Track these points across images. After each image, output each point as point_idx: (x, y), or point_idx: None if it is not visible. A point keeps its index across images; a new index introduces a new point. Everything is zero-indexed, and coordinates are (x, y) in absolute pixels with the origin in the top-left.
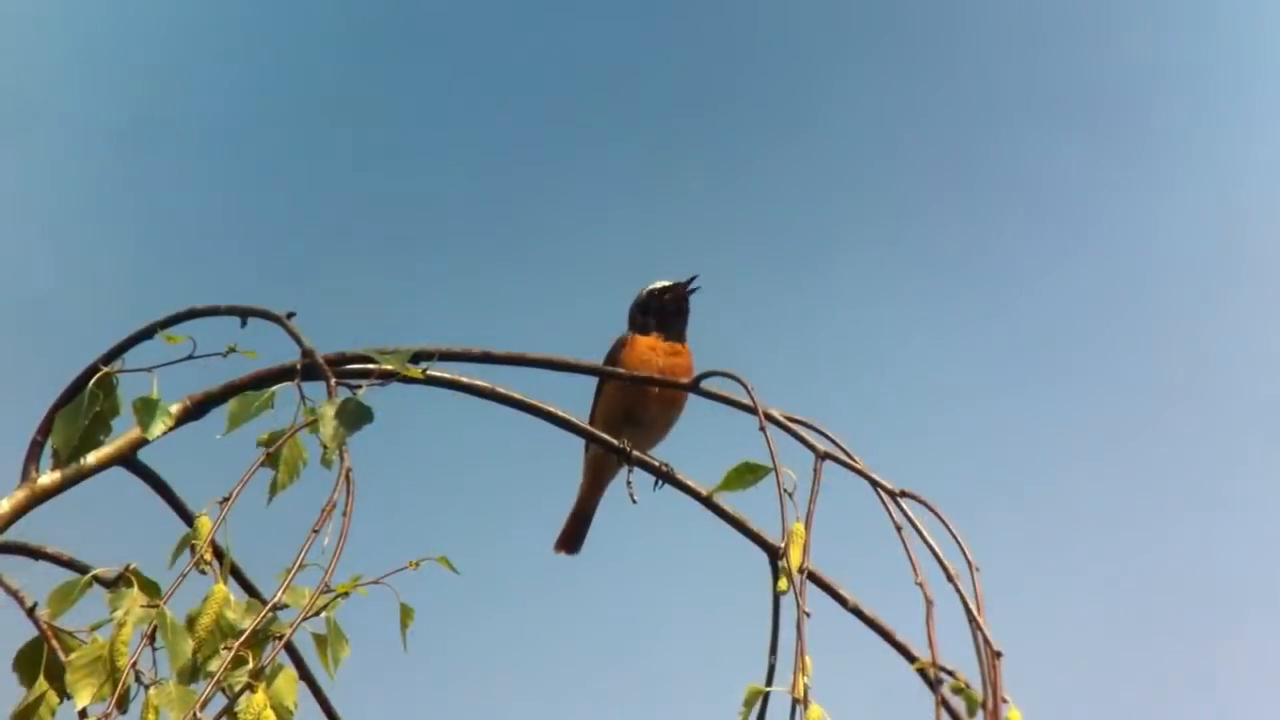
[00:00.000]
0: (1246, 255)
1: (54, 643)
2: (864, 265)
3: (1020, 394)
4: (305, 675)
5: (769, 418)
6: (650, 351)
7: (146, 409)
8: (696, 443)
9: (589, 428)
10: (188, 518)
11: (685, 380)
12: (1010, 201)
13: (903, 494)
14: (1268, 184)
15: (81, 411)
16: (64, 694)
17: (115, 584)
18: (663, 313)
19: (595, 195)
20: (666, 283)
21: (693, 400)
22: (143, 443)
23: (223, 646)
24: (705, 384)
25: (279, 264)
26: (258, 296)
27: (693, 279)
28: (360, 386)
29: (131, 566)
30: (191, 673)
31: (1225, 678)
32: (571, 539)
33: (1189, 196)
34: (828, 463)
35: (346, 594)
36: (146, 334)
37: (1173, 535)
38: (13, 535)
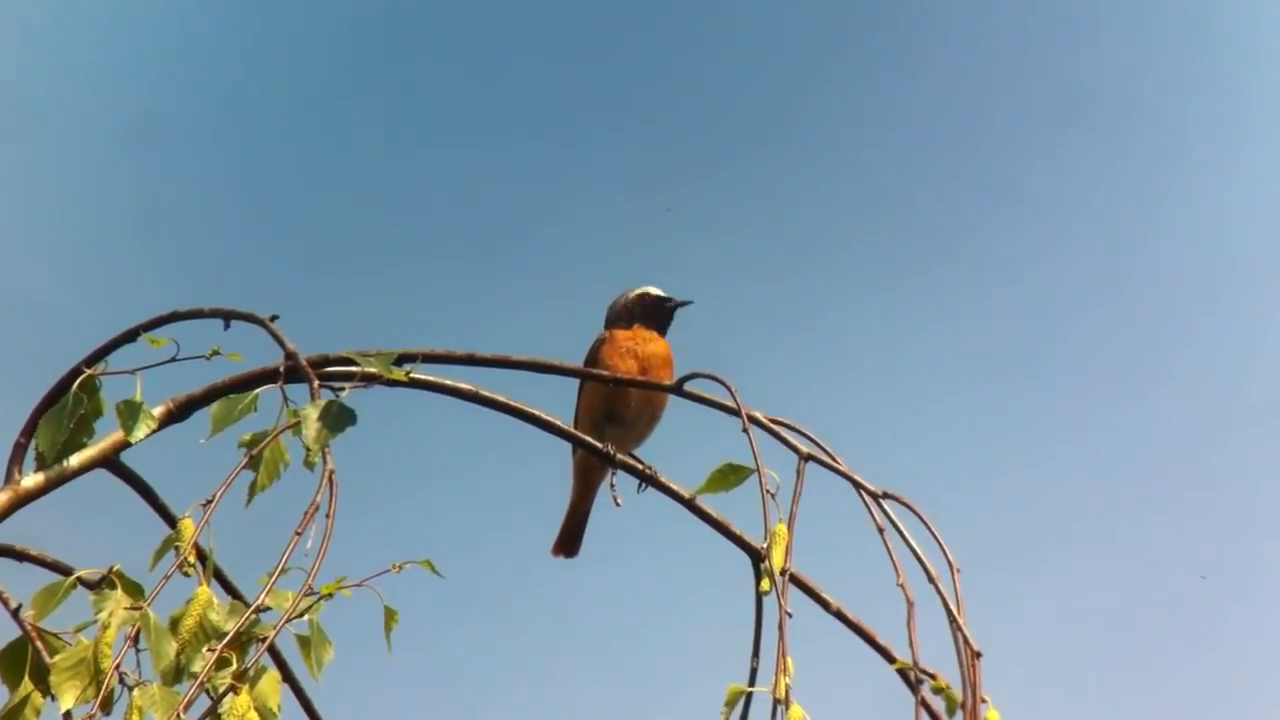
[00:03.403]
0: (1239, 254)
1: (39, 644)
2: (848, 267)
3: (1004, 397)
4: (289, 677)
5: (752, 419)
6: (630, 342)
7: (130, 412)
8: (681, 445)
9: (572, 430)
10: (171, 520)
11: (667, 378)
12: (998, 199)
13: (885, 495)
14: (1262, 182)
15: (66, 414)
16: (49, 695)
17: (99, 586)
18: (647, 314)
19: (582, 195)
20: (660, 293)
21: (676, 403)
22: (125, 445)
23: (206, 648)
24: (689, 386)
25: (262, 266)
26: (241, 299)
27: (688, 302)
28: (344, 389)
29: (115, 568)
30: (175, 674)
31: (1207, 678)
32: (568, 542)
33: (1182, 195)
34: (811, 464)
35: (330, 596)
36: (130, 336)
37: (1154, 537)
38: None
